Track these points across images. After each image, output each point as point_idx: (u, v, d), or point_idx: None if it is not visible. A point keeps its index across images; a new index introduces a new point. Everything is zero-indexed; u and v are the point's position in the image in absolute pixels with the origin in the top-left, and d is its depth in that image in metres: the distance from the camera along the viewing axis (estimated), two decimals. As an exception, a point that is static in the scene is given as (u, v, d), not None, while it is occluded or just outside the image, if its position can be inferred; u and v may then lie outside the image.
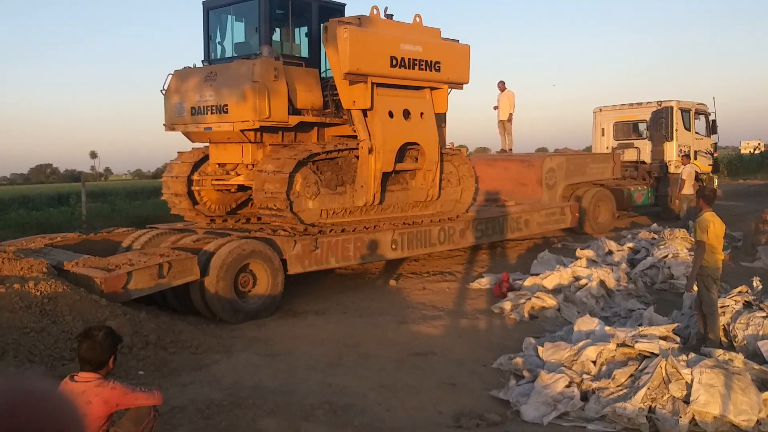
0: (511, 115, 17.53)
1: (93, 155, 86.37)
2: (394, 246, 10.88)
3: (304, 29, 10.91)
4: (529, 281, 9.92)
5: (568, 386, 5.90)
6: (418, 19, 10.76)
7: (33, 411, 1.17)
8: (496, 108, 17.65)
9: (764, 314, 7.08)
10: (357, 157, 10.30)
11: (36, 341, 6.36)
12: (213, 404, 5.80)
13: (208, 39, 10.87)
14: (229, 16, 10.79)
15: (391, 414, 5.76)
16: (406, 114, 10.72)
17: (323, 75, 10.71)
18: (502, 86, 17.50)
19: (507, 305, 9.17)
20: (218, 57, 10.81)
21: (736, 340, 6.98)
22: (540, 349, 6.78)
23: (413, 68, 10.44)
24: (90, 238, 10.56)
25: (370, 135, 10.19)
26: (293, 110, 9.85)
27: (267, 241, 9.30)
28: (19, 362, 5.91)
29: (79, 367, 3.76)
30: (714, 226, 7.05)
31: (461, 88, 11.62)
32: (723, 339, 7.09)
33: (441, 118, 11.73)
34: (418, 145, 10.98)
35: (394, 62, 10.14)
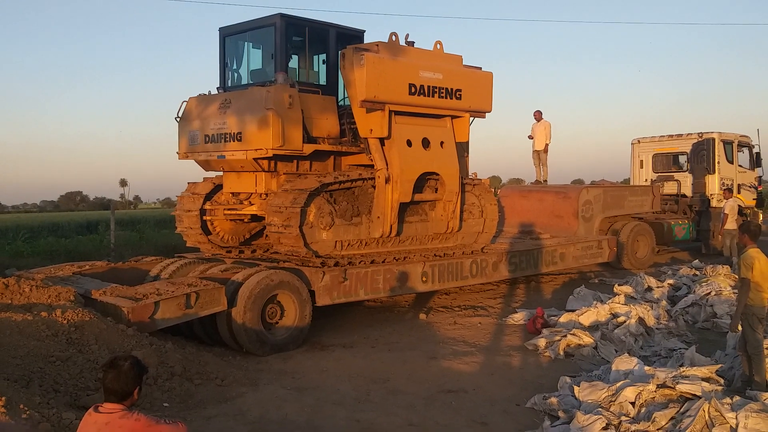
0: (547, 145, 17.47)
1: (123, 183, 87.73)
2: (424, 279, 10.82)
3: (323, 56, 10.97)
4: (564, 317, 9.79)
5: (605, 428, 5.78)
6: (438, 46, 10.76)
7: None
8: (531, 138, 17.63)
9: (814, 356, 6.88)
10: (374, 187, 10.25)
11: (61, 370, 6.42)
12: (237, 438, 5.79)
13: (224, 66, 10.94)
14: (246, 43, 10.88)
15: (420, 453, 5.69)
16: (426, 143, 10.67)
17: (341, 103, 10.72)
18: (538, 116, 17.48)
19: (541, 342, 9.04)
20: (234, 84, 10.88)
21: (785, 383, 6.79)
22: (576, 388, 6.66)
23: (433, 96, 10.40)
24: (118, 266, 10.72)
25: (387, 164, 10.13)
26: (308, 138, 9.86)
27: (295, 271, 9.32)
28: (44, 391, 5.97)
29: (104, 398, 3.78)
30: (759, 263, 6.91)
31: (483, 117, 11.56)
32: (770, 382, 6.90)
33: (463, 148, 11.67)
34: (438, 175, 10.90)
35: (413, 90, 10.11)
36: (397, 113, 10.17)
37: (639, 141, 20.44)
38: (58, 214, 48.95)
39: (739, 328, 7.13)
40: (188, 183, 11.51)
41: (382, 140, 10.16)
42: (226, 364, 7.94)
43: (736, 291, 9.49)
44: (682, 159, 19.80)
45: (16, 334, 6.69)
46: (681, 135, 19.60)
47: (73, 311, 7.35)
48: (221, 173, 10.97)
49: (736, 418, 5.41)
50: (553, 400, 6.67)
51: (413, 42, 10.48)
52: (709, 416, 5.51)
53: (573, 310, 10.17)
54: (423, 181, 10.81)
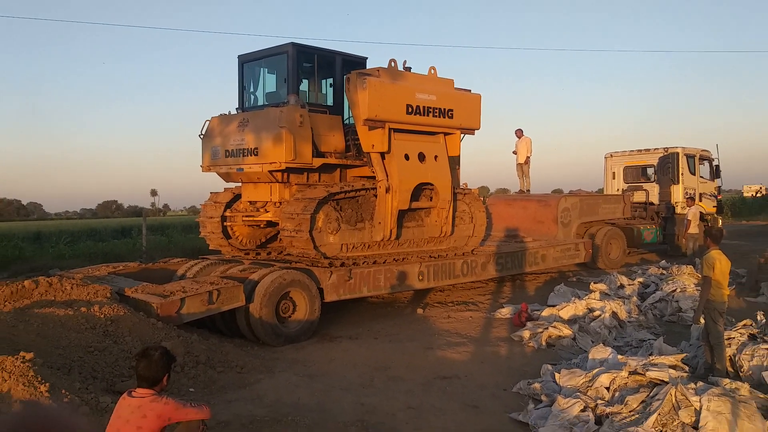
0: (528, 158, 17.46)
1: (153, 193, 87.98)
2: (420, 277, 10.81)
3: (330, 80, 10.98)
4: (546, 312, 9.77)
5: (583, 410, 5.75)
6: (432, 71, 10.79)
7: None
8: (514, 153, 17.63)
9: (768, 346, 6.86)
10: (375, 196, 10.27)
11: (99, 359, 6.42)
12: (256, 420, 5.77)
13: (242, 89, 10.97)
14: (262, 69, 10.89)
15: (418, 433, 5.66)
16: (421, 157, 10.69)
17: (346, 121, 10.72)
18: (519, 133, 17.48)
19: (526, 334, 9.02)
20: (251, 105, 10.90)
21: (742, 370, 6.78)
22: (557, 375, 6.64)
23: (428, 115, 10.44)
24: (148, 267, 10.70)
25: (387, 176, 10.18)
26: (317, 153, 9.87)
27: (306, 271, 9.30)
28: (83, 378, 5.95)
29: (137, 384, 3.77)
30: (720, 263, 6.90)
31: (473, 134, 11.56)
32: (729, 369, 6.88)
33: (454, 161, 11.66)
34: (432, 185, 10.92)
35: (410, 110, 10.16)
36: (396, 130, 10.19)
37: (611, 155, 20.42)
38: (96, 221, 48.97)
39: (702, 321, 7.12)
40: (210, 193, 11.53)
41: (382, 154, 10.17)
42: (245, 353, 7.93)
43: (699, 288, 9.48)
44: (650, 171, 19.77)
45: (59, 327, 6.69)
46: (649, 149, 19.59)
47: (109, 307, 7.35)
48: (240, 184, 10.98)
49: (700, 401, 5.39)
50: (537, 385, 6.65)
51: (410, 67, 10.51)
52: (675, 400, 5.49)
53: (554, 305, 10.15)
54: (419, 190, 10.81)
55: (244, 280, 8.76)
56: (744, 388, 5.75)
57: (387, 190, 10.14)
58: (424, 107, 10.35)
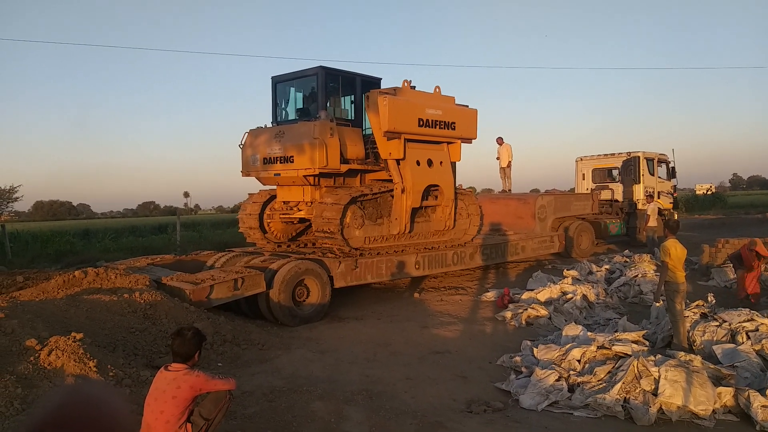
0: (509, 162, 17.43)
1: (186, 195, 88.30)
2: (417, 266, 10.81)
3: (350, 98, 10.97)
4: (525, 295, 9.76)
5: (557, 380, 5.76)
6: (437, 90, 10.81)
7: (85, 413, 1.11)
8: (497, 158, 17.60)
9: (717, 323, 6.87)
10: (392, 196, 10.33)
11: (140, 339, 6.43)
12: (275, 390, 5.78)
13: (275, 105, 10.94)
14: (292, 88, 10.86)
15: (415, 400, 5.67)
16: (430, 162, 10.74)
17: (364, 133, 10.71)
18: (500, 141, 17.43)
19: (508, 314, 9.02)
20: (283, 119, 10.88)
21: (695, 344, 6.78)
22: (535, 350, 6.64)
23: (435, 127, 10.48)
24: (182, 258, 10.71)
25: (402, 179, 10.25)
26: (343, 160, 9.87)
27: (318, 261, 9.30)
28: (126, 355, 5.97)
29: (172, 359, 3.78)
30: (675, 250, 6.90)
31: (470, 143, 11.59)
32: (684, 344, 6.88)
33: (455, 166, 11.72)
34: (438, 186, 10.97)
35: (421, 123, 10.20)
36: (409, 140, 10.25)
37: (581, 159, 20.38)
38: (136, 219, 49.01)
39: (660, 302, 7.12)
40: (260, 189, 11.55)
41: (398, 161, 10.24)
42: (265, 333, 7.93)
43: (657, 273, 9.47)
44: (615, 172, 19.72)
45: (105, 311, 6.71)
46: (614, 154, 19.54)
47: (148, 293, 7.36)
48: (274, 187, 10.98)
49: (659, 371, 5.40)
50: (518, 359, 6.65)
51: (414, 86, 10.50)
52: (637, 370, 5.50)
53: (532, 290, 10.15)
54: (428, 191, 10.88)
55: (265, 269, 8.76)
56: (697, 360, 5.75)
57: (402, 191, 10.24)
58: (432, 120, 10.41)
